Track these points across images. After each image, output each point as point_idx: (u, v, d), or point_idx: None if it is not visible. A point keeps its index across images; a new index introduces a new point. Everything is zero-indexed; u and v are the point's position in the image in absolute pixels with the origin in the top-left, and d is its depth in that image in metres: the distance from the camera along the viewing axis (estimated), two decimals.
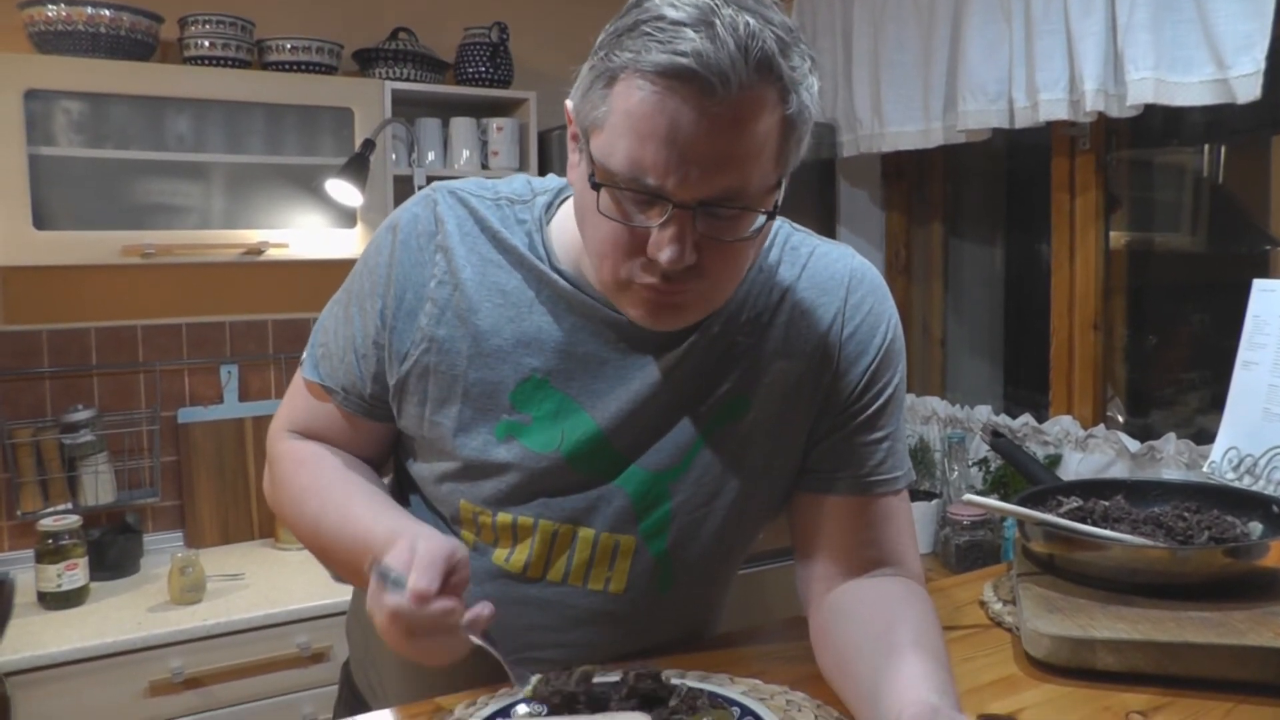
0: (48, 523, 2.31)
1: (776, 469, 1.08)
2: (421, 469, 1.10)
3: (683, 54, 0.82)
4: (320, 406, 1.12)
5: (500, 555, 1.06)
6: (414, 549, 0.88)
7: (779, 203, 0.92)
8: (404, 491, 1.16)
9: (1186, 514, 1.23)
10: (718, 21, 0.82)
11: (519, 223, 1.05)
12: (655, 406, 1.02)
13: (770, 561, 1.36)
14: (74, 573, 2.31)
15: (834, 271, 1.07)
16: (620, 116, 0.86)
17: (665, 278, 0.90)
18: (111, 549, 2.49)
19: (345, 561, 1.04)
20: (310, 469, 1.10)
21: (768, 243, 1.07)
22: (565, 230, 1.04)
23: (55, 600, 2.29)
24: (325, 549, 1.07)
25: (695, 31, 0.82)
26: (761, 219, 0.91)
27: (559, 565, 1.05)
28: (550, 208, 1.06)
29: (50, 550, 2.29)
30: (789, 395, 1.05)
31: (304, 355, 1.14)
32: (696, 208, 0.87)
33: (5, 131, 2.23)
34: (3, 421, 2.54)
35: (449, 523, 1.09)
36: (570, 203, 1.02)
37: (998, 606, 1.23)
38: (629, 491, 1.04)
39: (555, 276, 1.02)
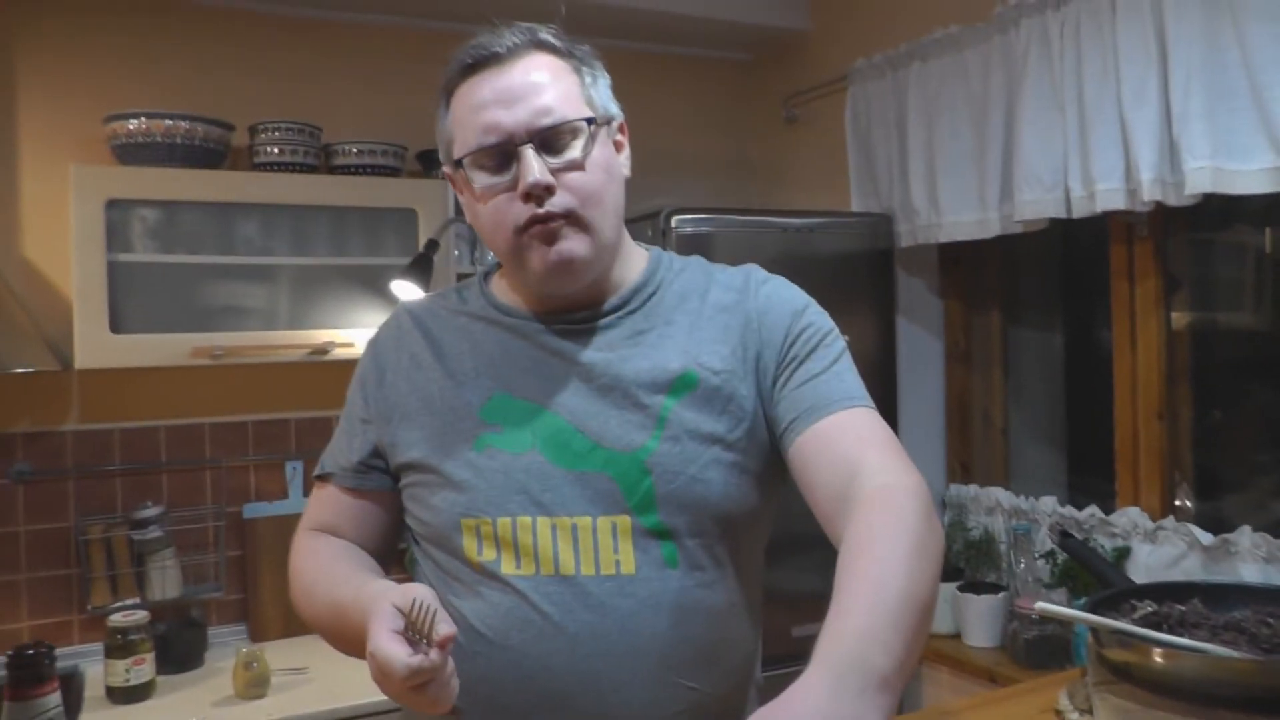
0: (117, 619, 2.35)
1: (742, 432, 1.17)
2: (421, 512, 1.20)
3: (472, 48, 1.16)
4: (326, 499, 1.30)
5: (509, 566, 1.13)
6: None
7: (598, 119, 1.17)
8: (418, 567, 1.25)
9: (1271, 619, 1.19)
10: (501, 27, 1.16)
11: (465, 289, 1.32)
12: (608, 391, 1.17)
13: None
14: (141, 667, 2.34)
15: (738, 270, 1.28)
16: (456, 117, 1.18)
17: (539, 215, 1.12)
18: (177, 642, 2.52)
19: (339, 634, 1.17)
20: (316, 556, 1.26)
21: (673, 254, 1.29)
22: (502, 279, 1.28)
23: (123, 695, 2.32)
24: (326, 628, 1.21)
25: (483, 37, 1.16)
26: (586, 130, 1.15)
27: (567, 557, 1.12)
28: (490, 275, 1.31)
29: (119, 645, 2.32)
30: (727, 363, 1.18)
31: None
32: (533, 138, 1.12)
33: (88, 241, 2.33)
34: (77, 519, 2.60)
35: (454, 554, 1.16)
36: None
37: (1074, 717, 1.20)
38: (611, 474, 1.14)
39: (493, 310, 1.25)
